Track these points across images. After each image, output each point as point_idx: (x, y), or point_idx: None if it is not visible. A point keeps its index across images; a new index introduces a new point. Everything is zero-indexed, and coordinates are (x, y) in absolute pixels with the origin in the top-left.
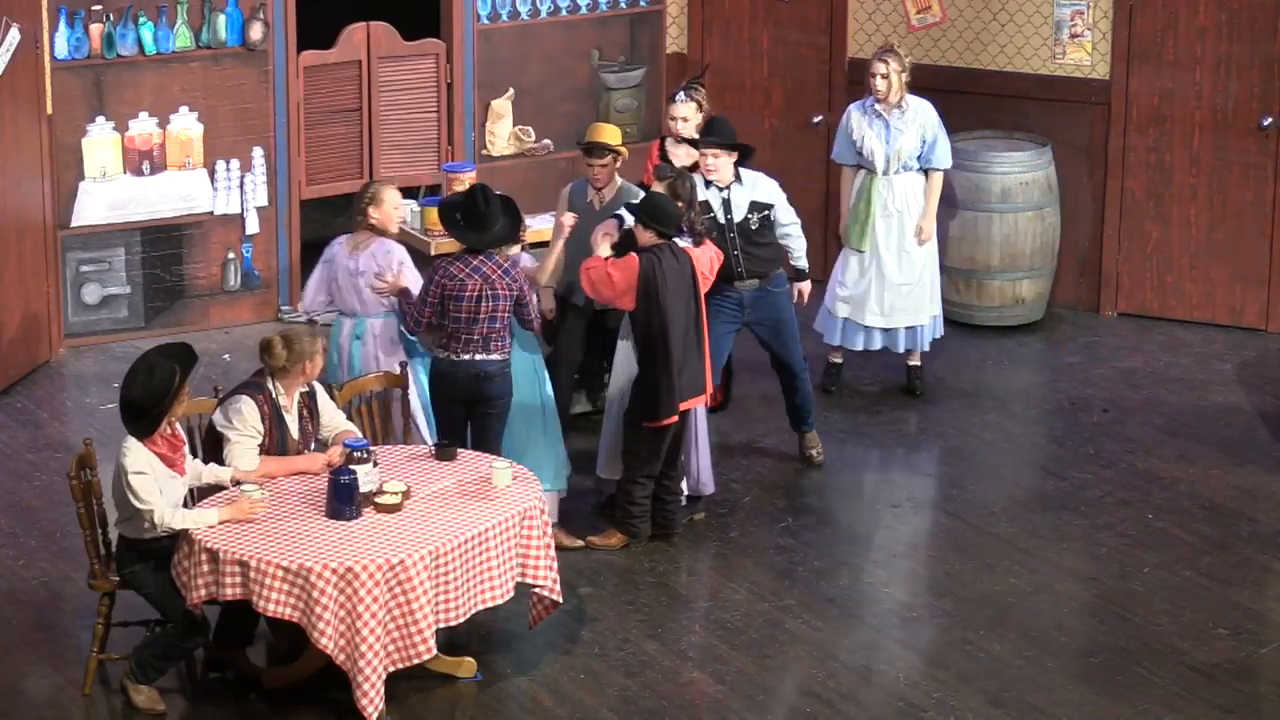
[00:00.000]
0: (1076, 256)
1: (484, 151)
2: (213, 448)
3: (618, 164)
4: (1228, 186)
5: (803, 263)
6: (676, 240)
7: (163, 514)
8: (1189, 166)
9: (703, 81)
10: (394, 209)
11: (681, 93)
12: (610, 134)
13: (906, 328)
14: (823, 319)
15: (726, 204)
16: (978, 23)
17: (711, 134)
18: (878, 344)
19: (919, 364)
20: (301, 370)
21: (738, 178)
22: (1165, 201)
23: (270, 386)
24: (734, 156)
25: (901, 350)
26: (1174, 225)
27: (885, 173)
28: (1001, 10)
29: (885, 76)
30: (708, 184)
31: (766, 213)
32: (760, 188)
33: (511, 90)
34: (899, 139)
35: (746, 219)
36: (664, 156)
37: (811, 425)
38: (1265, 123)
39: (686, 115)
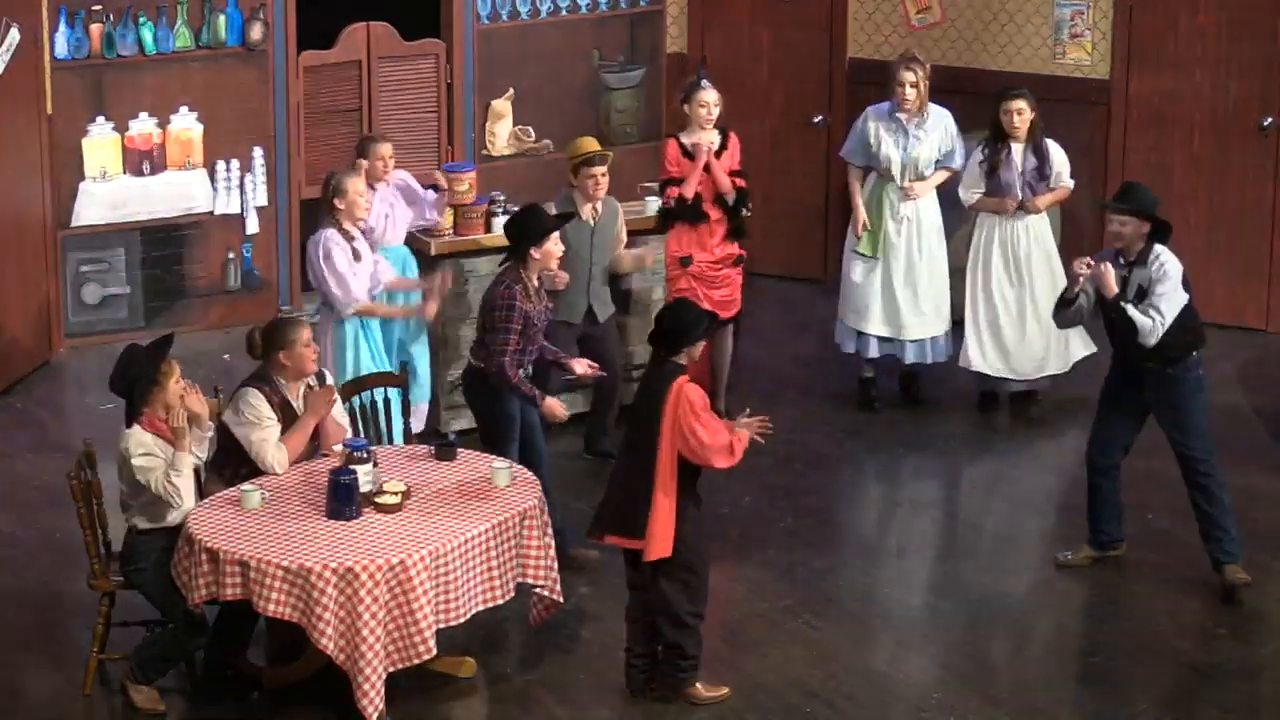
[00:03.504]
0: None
1: (484, 151)
2: (228, 451)
3: None
4: (1228, 187)
5: (1138, 329)
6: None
7: (163, 474)
8: (1189, 167)
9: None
10: (359, 196)
11: (705, 79)
12: (595, 142)
13: (914, 340)
14: (839, 328)
15: (1126, 281)
16: (978, 23)
17: (1126, 198)
18: (874, 352)
19: (913, 371)
20: (277, 362)
21: (1143, 256)
22: (1165, 202)
23: (273, 379)
24: (1145, 226)
25: (910, 361)
26: (1174, 225)
27: (899, 181)
28: (1001, 10)
29: (915, 85)
30: (1117, 256)
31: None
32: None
33: (511, 90)
34: (917, 148)
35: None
36: (685, 152)
37: (1232, 555)
38: (1265, 123)
39: (715, 100)
